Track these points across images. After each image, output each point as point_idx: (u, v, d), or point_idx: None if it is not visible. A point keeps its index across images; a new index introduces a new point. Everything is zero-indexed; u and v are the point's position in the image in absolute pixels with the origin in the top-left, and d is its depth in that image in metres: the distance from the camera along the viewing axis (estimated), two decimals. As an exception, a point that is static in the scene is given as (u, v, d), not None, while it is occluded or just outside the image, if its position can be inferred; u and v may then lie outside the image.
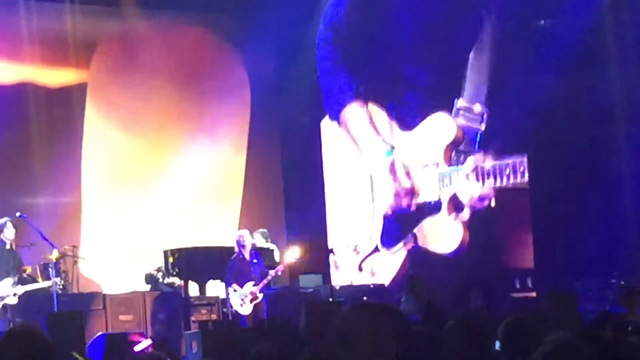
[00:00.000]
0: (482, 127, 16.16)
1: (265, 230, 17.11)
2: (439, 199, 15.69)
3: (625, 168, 16.73)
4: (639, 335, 5.69)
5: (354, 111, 16.91)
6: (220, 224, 18.16)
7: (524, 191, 16.66)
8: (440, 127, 15.89)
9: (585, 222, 16.45)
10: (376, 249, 16.52)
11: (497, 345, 7.56)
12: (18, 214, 14.57)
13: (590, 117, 16.73)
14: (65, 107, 17.30)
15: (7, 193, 16.34)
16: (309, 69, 17.64)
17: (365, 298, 14.54)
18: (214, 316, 15.62)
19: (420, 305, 7.22)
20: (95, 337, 12.70)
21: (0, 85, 16.77)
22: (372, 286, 15.83)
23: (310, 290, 16.23)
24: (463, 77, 16.38)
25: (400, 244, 16.15)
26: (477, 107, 16.21)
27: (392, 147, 16.23)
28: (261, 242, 16.81)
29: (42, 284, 14.36)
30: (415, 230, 15.93)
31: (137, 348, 11.64)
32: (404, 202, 16.05)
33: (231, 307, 14.99)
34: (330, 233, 17.42)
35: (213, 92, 18.47)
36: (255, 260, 15.22)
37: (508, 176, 14.40)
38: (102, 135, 17.64)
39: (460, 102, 16.21)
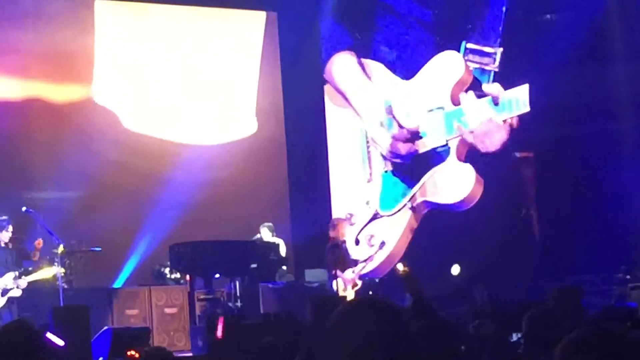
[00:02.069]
0: (496, 67, 15.29)
1: (271, 224, 17.10)
2: (447, 144, 14.78)
3: (631, 162, 16.69)
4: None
5: (341, 61, 15.92)
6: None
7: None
8: (446, 66, 14.82)
9: (591, 216, 16.42)
10: (375, 216, 15.66)
11: (514, 337, 7.56)
12: (24, 208, 14.59)
13: (596, 111, 16.69)
14: (72, 118, 17.38)
15: (13, 188, 16.38)
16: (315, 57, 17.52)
17: (370, 292, 14.50)
18: (219, 311, 15.62)
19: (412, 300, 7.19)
20: (101, 331, 12.73)
21: (9, 101, 16.90)
22: (377, 280, 15.76)
23: (316, 284, 16.20)
24: (472, 17, 15.58)
25: (403, 202, 15.23)
26: (489, 48, 15.33)
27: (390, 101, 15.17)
28: (267, 236, 16.81)
29: (44, 272, 14.31)
30: (420, 183, 14.94)
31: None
32: (403, 149, 15.00)
33: (335, 291, 14.83)
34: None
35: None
36: None
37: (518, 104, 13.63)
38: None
39: (469, 44, 15.35)
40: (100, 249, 15.84)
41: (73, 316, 12.07)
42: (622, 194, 16.38)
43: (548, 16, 17.43)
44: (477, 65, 15.29)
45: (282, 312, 14.27)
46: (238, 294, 15.40)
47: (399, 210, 15.31)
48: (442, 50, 15.13)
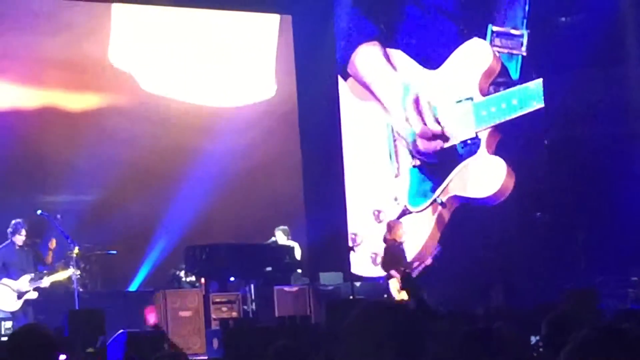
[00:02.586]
0: (523, 51, 14.87)
1: (286, 227, 17.11)
2: (477, 136, 14.50)
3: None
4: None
5: (365, 52, 15.52)
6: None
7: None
8: (474, 54, 14.54)
9: (605, 219, 16.38)
10: (404, 212, 15.39)
11: (533, 339, 7.53)
12: (39, 211, 14.64)
13: (610, 113, 16.65)
14: (88, 126, 17.42)
15: (29, 191, 16.44)
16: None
17: (385, 296, 14.49)
18: (234, 314, 15.63)
19: (413, 301, 7.22)
20: (115, 335, 12.75)
21: (25, 108, 16.96)
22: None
23: (331, 288, 16.20)
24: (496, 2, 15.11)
25: (433, 198, 14.77)
26: (516, 30, 14.99)
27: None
28: (282, 240, 16.81)
29: (59, 274, 14.34)
30: (450, 177, 14.69)
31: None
32: (427, 147, 14.50)
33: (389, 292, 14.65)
34: (351, 219, 17.00)
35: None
36: None
37: None
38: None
39: (495, 27, 14.97)
40: (115, 252, 15.85)
41: (88, 319, 12.10)
42: (636, 196, 16.32)
43: (563, 19, 17.39)
44: (505, 51, 14.95)
45: (297, 315, 14.28)
46: (253, 297, 15.42)
47: (429, 206, 15.09)
48: (467, 39, 14.87)
